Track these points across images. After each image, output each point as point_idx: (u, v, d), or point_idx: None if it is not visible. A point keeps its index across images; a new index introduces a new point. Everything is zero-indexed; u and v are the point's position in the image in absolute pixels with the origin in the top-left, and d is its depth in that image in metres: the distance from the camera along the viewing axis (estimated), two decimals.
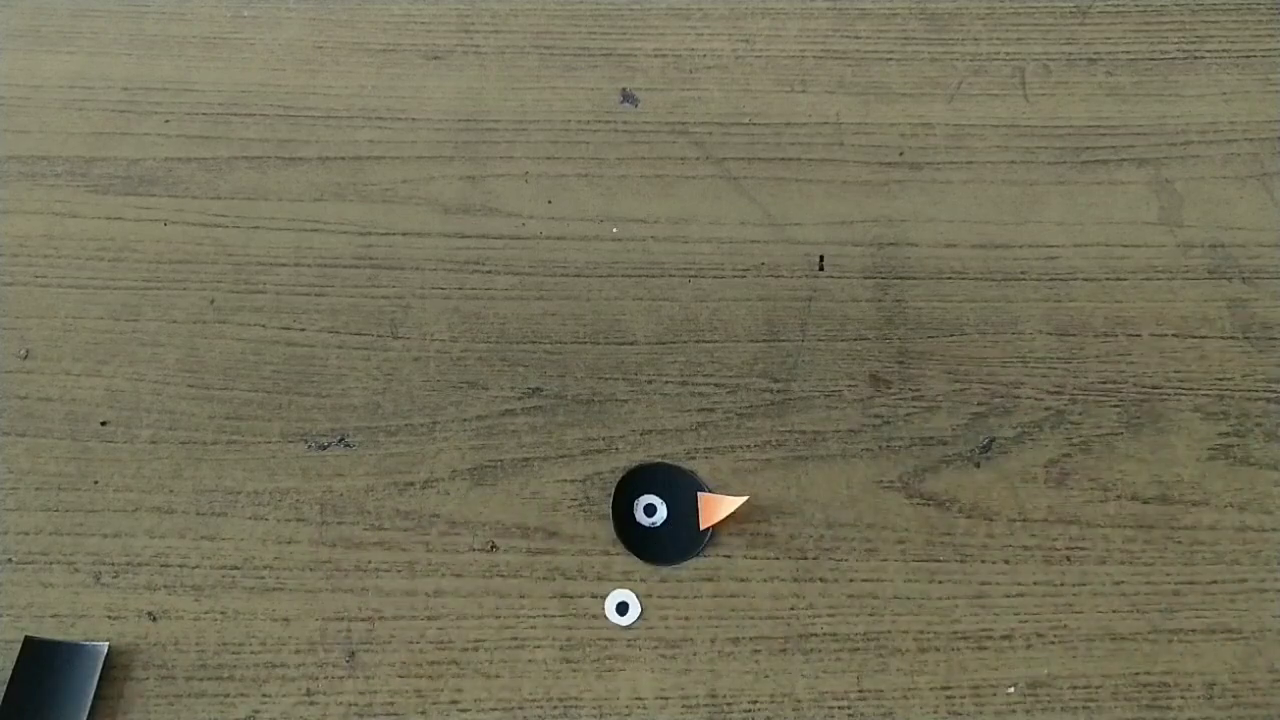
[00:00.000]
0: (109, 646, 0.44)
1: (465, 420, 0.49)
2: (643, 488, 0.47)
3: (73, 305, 0.51)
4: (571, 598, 0.45)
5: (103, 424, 0.48)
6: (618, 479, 0.47)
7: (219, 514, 0.47)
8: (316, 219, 0.54)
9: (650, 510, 0.46)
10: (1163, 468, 0.49)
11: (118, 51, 0.58)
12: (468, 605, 0.45)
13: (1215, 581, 0.46)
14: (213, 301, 0.51)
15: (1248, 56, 0.59)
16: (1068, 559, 0.47)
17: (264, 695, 0.44)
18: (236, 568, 0.46)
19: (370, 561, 0.46)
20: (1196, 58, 0.59)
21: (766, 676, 0.44)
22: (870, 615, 0.45)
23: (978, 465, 0.48)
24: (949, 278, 0.53)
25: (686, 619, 0.45)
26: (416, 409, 0.49)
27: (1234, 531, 0.47)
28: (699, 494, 0.46)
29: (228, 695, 0.43)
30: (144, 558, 0.46)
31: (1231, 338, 0.52)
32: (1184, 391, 0.50)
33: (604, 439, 0.48)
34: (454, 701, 0.44)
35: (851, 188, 0.55)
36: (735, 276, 0.53)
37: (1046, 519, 0.48)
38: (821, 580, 0.46)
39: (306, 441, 0.48)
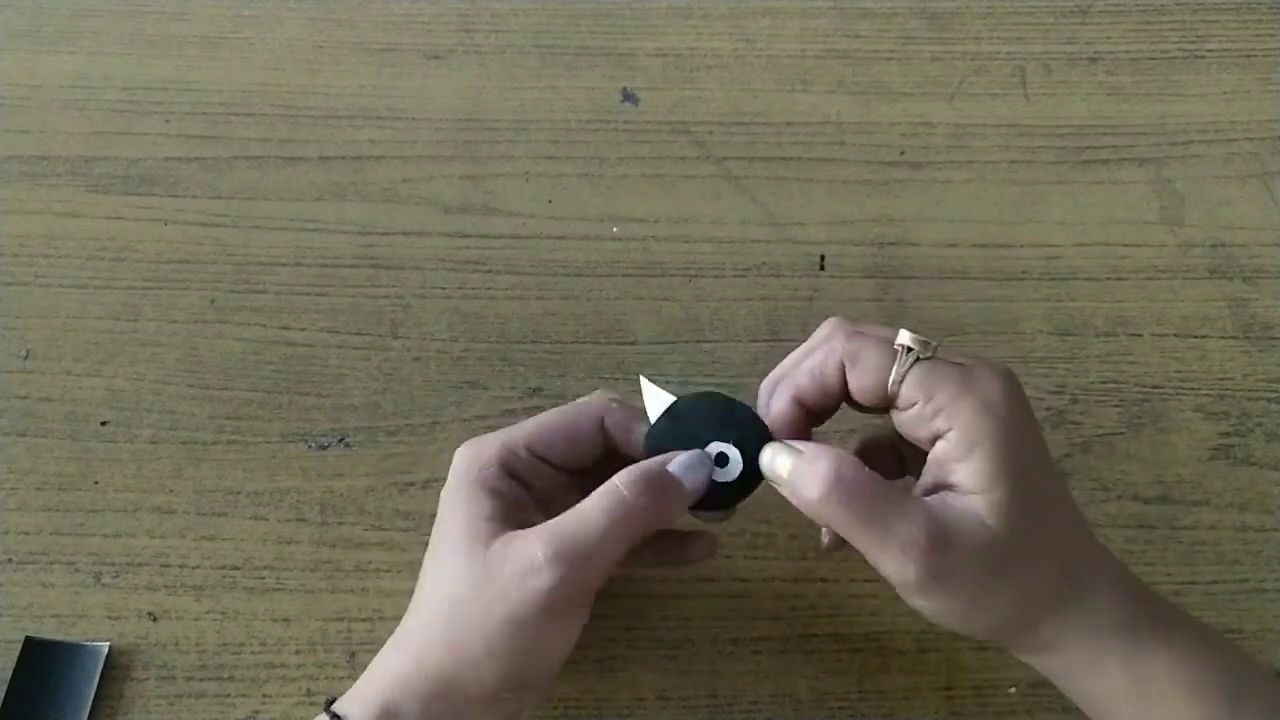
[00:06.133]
0: (109, 646, 0.44)
1: (465, 420, 0.49)
2: (702, 425, 0.38)
3: (73, 305, 0.51)
4: None
5: (103, 424, 0.48)
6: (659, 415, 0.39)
7: (219, 514, 0.47)
8: (316, 219, 0.54)
9: (722, 460, 0.37)
10: (1164, 467, 0.49)
11: (118, 51, 0.58)
12: None
13: (1216, 581, 0.46)
14: (213, 301, 0.51)
15: (1248, 56, 0.59)
16: None
17: (264, 695, 0.43)
18: (236, 568, 0.46)
19: (370, 562, 0.46)
20: (1197, 57, 0.59)
21: (767, 677, 0.44)
22: (871, 615, 0.45)
23: None
24: (950, 277, 0.53)
25: (687, 619, 0.45)
26: (416, 409, 0.49)
27: (1235, 531, 0.47)
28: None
29: (228, 695, 0.43)
30: (144, 558, 0.46)
31: (1232, 337, 0.52)
32: (1185, 391, 0.50)
33: None
34: None
35: (852, 187, 0.55)
36: (736, 276, 0.53)
37: None
38: (822, 580, 0.46)
39: (306, 441, 0.48)
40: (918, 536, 0.34)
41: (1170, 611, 0.37)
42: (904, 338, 0.36)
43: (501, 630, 0.35)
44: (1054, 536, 0.35)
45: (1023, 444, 0.35)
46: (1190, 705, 0.34)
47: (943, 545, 0.34)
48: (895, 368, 0.36)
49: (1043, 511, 0.35)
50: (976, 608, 0.35)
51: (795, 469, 0.36)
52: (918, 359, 0.36)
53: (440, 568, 0.37)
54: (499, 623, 0.35)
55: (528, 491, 0.38)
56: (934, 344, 0.36)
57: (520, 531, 0.36)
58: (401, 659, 0.37)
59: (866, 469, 0.35)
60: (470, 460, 0.38)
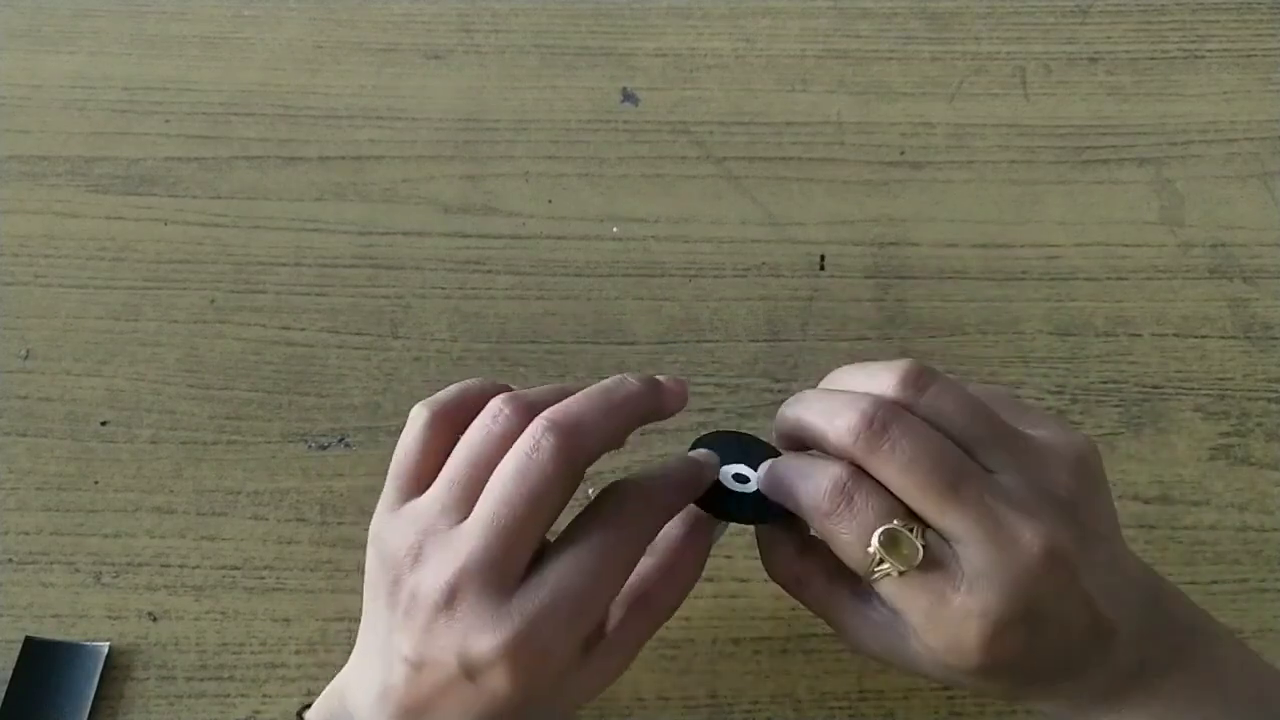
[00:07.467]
0: (109, 646, 0.44)
1: None
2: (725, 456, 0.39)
3: (73, 305, 0.51)
4: None
5: (103, 424, 0.48)
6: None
7: (219, 514, 0.47)
8: (316, 219, 0.54)
9: (741, 480, 0.38)
10: (1164, 467, 0.48)
11: (118, 51, 0.58)
12: None
13: (1216, 581, 0.46)
14: (213, 301, 0.51)
15: (1248, 56, 0.59)
16: None
17: (264, 695, 0.43)
18: (236, 568, 0.46)
19: None
20: (1197, 57, 0.59)
21: (767, 677, 0.44)
22: None
23: None
24: (950, 277, 0.53)
25: (687, 619, 0.45)
26: None
27: (1235, 531, 0.47)
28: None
29: (228, 695, 0.43)
30: (144, 558, 0.46)
31: (1233, 337, 0.52)
32: (1185, 391, 0.50)
33: None
34: None
35: (852, 187, 0.55)
36: (736, 276, 0.53)
37: None
38: None
39: (306, 441, 0.48)
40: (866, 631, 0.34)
41: (1164, 659, 0.33)
42: (873, 541, 0.30)
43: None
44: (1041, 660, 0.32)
45: (1014, 657, 0.31)
46: None
47: (896, 650, 0.33)
48: (868, 567, 0.31)
49: (1030, 665, 0.32)
50: (946, 676, 0.33)
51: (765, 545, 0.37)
52: (886, 574, 0.30)
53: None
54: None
55: None
56: (918, 549, 0.30)
57: None
58: None
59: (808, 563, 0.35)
60: None
